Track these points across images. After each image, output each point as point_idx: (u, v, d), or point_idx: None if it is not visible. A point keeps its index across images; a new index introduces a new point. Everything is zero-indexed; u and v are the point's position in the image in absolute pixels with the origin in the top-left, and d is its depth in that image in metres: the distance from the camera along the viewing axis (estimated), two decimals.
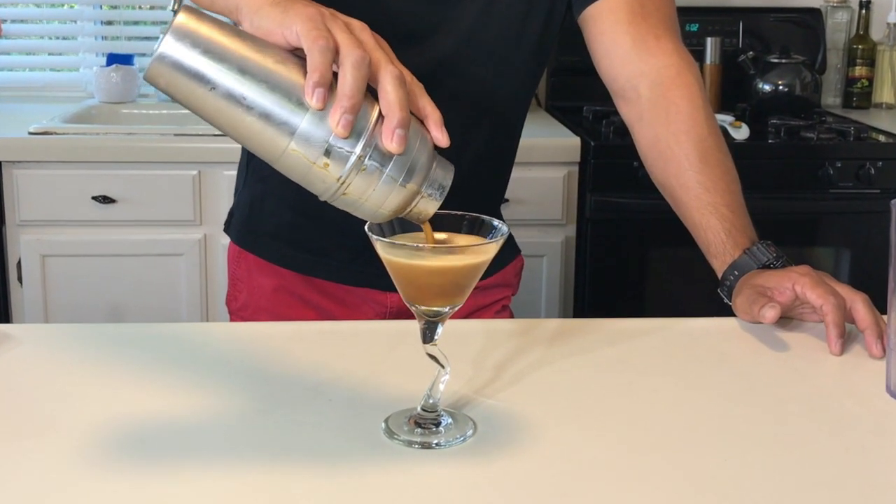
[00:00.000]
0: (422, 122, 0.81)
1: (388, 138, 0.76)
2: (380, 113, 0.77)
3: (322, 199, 0.80)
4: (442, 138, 0.80)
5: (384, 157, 0.77)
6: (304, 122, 0.76)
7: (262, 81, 0.76)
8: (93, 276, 2.37)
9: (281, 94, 0.76)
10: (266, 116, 0.76)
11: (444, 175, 0.81)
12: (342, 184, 0.77)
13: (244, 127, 0.77)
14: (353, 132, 0.76)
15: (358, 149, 0.76)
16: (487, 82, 1.23)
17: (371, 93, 0.78)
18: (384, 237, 0.83)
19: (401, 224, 0.84)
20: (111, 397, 0.92)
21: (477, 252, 0.82)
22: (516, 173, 1.37)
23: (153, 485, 0.77)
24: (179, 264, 2.39)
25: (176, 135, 2.39)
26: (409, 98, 0.78)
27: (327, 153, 0.76)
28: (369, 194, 0.78)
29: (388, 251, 0.81)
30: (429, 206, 0.81)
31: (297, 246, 1.30)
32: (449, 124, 0.81)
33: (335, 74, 0.76)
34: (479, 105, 1.23)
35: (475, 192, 1.18)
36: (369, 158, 0.76)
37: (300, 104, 0.76)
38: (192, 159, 2.34)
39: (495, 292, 1.35)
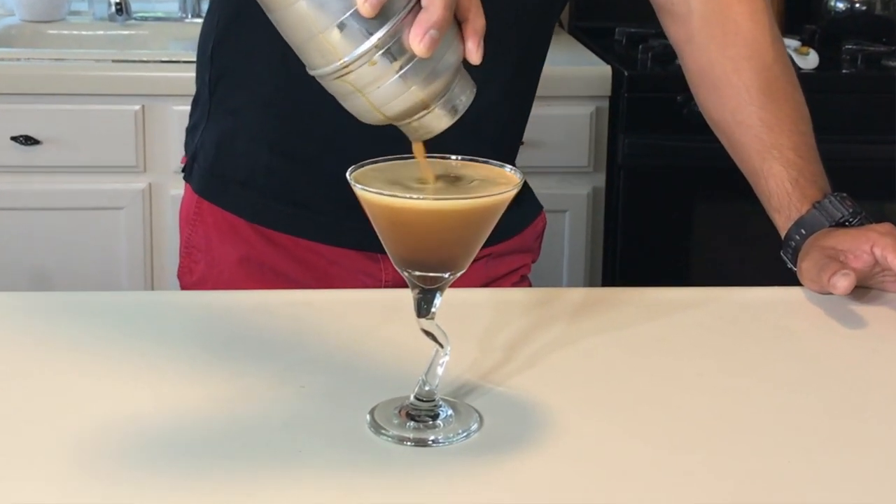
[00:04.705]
0: (458, 25, 0.80)
1: (416, 36, 0.75)
2: (417, 2, 0.76)
3: (311, 72, 0.79)
4: (476, 52, 0.80)
5: (403, 55, 0.76)
6: None
7: None
8: (13, 234, 2.37)
9: None
10: None
11: (464, 94, 0.81)
12: (344, 67, 0.76)
13: None
14: (380, 14, 0.75)
15: (378, 35, 0.75)
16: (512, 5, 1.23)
17: None
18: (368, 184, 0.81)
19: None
20: (33, 381, 0.92)
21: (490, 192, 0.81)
22: (533, 110, 1.36)
23: (85, 494, 0.77)
24: (119, 220, 2.39)
25: (114, 61, 2.37)
26: None
27: (340, 27, 0.75)
28: (371, 90, 0.77)
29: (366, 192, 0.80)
30: (435, 122, 0.80)
31: (273, 195, 1.29)
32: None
33: None
34: (508, 24, 1.22)
35: (494, 131, 1.17)
36: (386, 51, 0.76)
37: None
38: (134, 91, 2.33)
39: (512, 260, 1.34)
